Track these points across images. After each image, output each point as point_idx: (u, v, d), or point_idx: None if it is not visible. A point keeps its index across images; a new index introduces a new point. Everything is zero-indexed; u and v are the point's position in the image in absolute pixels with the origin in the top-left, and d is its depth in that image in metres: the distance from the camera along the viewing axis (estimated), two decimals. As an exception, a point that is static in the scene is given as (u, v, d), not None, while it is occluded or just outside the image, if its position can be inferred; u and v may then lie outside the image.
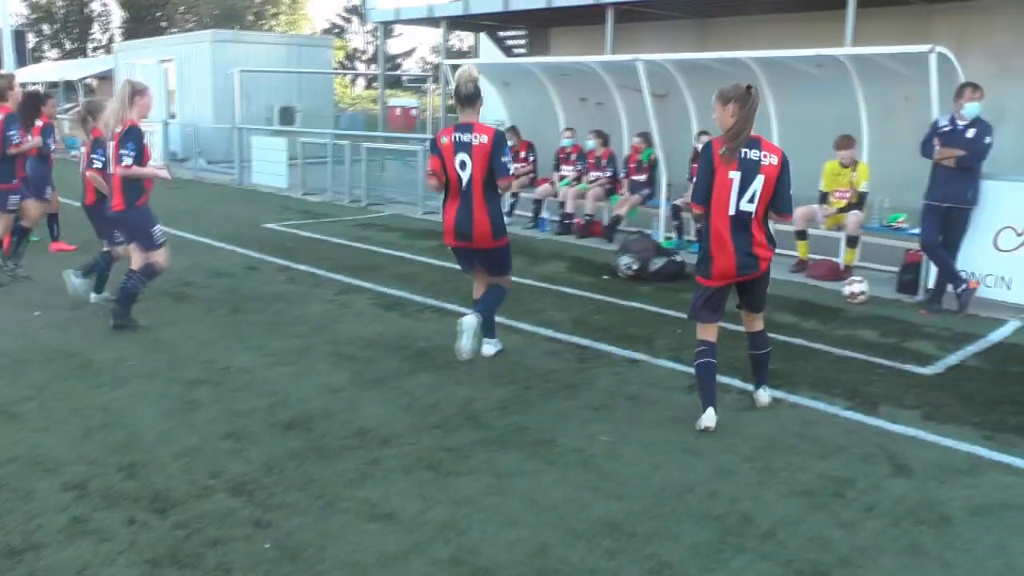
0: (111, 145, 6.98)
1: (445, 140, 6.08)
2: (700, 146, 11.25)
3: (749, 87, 4.99)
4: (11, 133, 8.60)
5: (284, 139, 18.45)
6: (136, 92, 6.94)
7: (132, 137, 6.85)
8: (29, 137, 9.01)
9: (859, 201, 9.64)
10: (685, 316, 7.77)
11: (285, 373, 6.13)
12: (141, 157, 6.92)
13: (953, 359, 6.81)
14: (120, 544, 3.79)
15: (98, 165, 7.43)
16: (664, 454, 4.84)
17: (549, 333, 7.27)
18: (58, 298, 7.95)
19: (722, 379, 6.07)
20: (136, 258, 7.28)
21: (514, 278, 9.37)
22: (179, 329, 7.21)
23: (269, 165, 18.13)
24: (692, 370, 6.14)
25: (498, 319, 7.55)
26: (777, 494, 4.37)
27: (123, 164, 6.83)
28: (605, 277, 9.59)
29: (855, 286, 8.64)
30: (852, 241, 9.69)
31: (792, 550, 3.83)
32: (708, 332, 5.34)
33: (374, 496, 4.27)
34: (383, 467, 4.60)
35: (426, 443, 4.92)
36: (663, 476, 4.55)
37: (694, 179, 5.20)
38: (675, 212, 11.56)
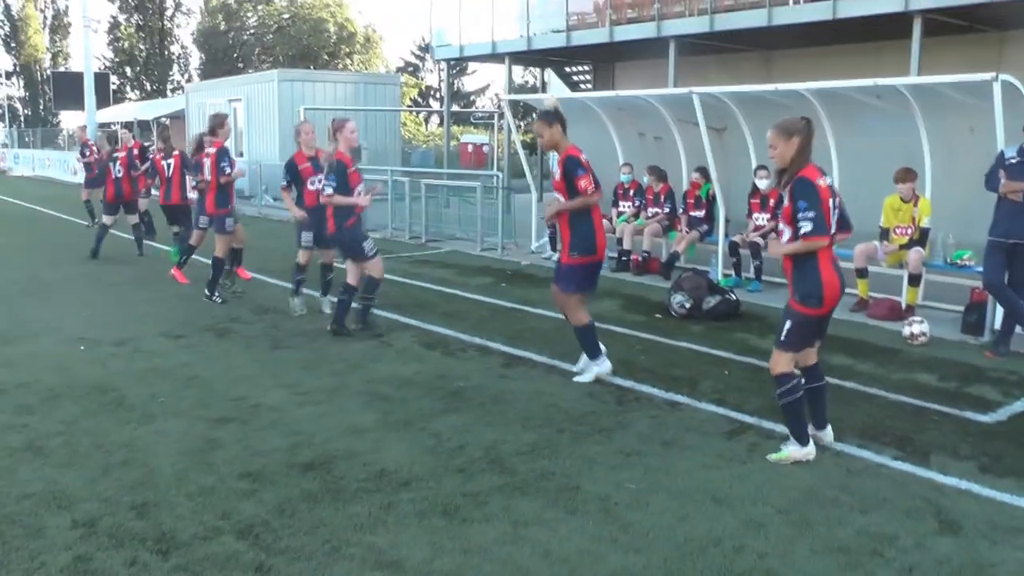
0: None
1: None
2: (760, 182, 10.98)
3: (807, 120, 5.07)
4: (223, 164, 9.68)
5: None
6: (337, 128, 7.95)
7: (335, 170, 7.83)
8: (237, 168, 10.08)
9: (921, 237, 9.23)
10: (733, 356, 7.56)
11: (314, 412, 6.02)
12: (345, 187, 7.85)
13: (1019, 406, 6.37)
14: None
15: (328, 191, 7.98)
16: (693, 504, 4.57)
17: (593, 374, 7.05)
18: (104, 332, 8.03)
19: (764, 424, 5.81)
20: (352, 272, 8.23)
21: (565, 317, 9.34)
22: (216, 365, 7.19)
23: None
24: (736, 414, 5.90)
25: (543, 359, 7.41)
26: (810, 550, 4.08)
27: (325, 194, 7.89)
28: (658, 316, 9.33)
29: (915, 326, 8.23)
30: (914, 279, 9.26)
31: (820, 614, 3.54)
32: (805, 357, 5.24)
33: (382, 542, 4.11)
34: (397, 512, 4.44)
35: (445, 487, 4.75)
36: (688, 528, 4.29)
37: (807, 214, 4.90)
38: (733, 249, 11.25)
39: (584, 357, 6.92)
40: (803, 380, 5.22)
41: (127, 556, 3.96)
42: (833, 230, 5.03)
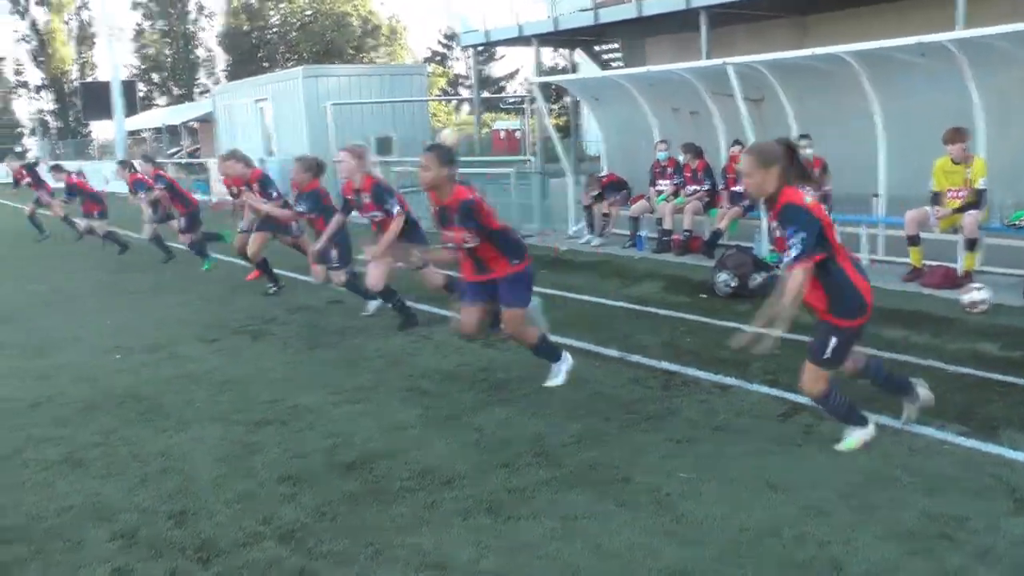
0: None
1: None
2: (803, 152, 10.64)
3: (784, 142, 4.67)
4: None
5: (379, 168, 18.48)
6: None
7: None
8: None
9: (977, 199, 8.84)
10: (783, 335, 7.24)
11: (353, 411, 5.89)
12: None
13: (1088, 372, 6.07)
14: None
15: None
16: (748, 492, 4.36)
17: (636, 359, 6.82)
18: (135, 340, 8.01)
19: (797, 399, 5.56)
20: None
21: (605, 300, 9.15)
22: (252, 368, 7.09)
23: (368, 195, 18.17)
24: (789, 395, 5.67)
25: (584, 345, 7.21)
26: (873, 536, 3.85)
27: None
28: (702, 296, 9.08)
29: (974, 294, 7.88)
30: (971, 244, 8.89)
31: (890, 604, 3.33)
32: (853, 363, 4.95)
33: (427, 543, 3.96)
34: (441, 511, 4.30)
35: (490, 484, 4.58)
36: (744, 517, 4.08)
37: (795, 239, 4.45)
38: (777, 222, 10.93)
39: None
40: (873, 380, 5.04)
41: (167, 566, 3.87)
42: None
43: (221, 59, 62.96)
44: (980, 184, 8.82)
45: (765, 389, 5.95)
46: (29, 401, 6.41)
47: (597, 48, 22.73)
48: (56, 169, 15.59)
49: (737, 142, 11.57)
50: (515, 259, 6.03)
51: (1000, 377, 5.99)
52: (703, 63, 12.76)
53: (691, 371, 6.43)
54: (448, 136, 6.51)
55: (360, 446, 5.21)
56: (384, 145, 23.47)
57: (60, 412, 6.14)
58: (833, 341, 4.67)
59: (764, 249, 10.92)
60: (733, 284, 8.90)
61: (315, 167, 8.92)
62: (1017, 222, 8.81)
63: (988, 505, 4.11)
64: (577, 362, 6.52)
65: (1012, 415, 5.27)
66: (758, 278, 8.90)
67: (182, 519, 4.34)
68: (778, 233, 4.62)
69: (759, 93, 11.58)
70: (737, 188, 11.58)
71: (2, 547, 4.14)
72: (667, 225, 12.15)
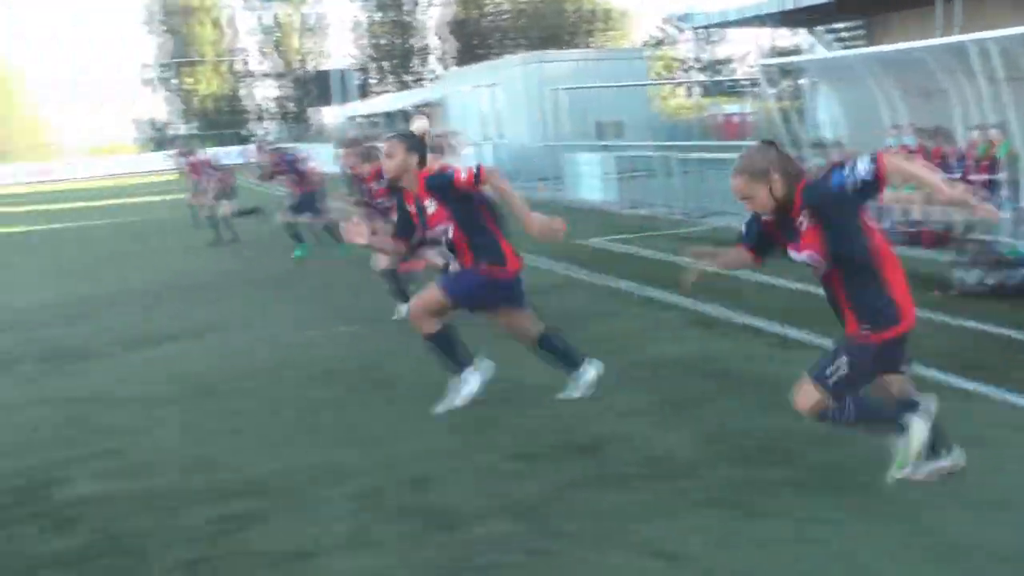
0: None
1: None
2: None
3: (770, 144, 3.99)
4: None
5: (602, 154, 18.52)
6: None
7: None
8: None
9: None
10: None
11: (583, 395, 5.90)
12: None
13: None
14: (395, 559, 3.80)
15: None
16: (1005, 511, 4.01)
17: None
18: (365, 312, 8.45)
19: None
20: None
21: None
22: (484, 348, 7.24)
23: (588, 180, 18.27)
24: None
25: (821, 341, 6.91)
26: None
27: None
28: (951, 294, 8.48)
29: None
30: None
31: None
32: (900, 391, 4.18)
33: (659, 533, 3.92)
34: (673, 502, 4.24)
35: (725, 477, 4.48)
36: (1001, 539, 3.74)
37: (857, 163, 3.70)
38: (1035, 216, 10.07)
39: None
40: None
41: (404, 530, 4.05)
42: None
43: (445, 47, 65.04)
44: None
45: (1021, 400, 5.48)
46: (273, 364, 6.98)
47: (833, 26, 21.73)
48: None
49: (994, 126, 10.72)
50: (483, 261, 5.44)
51: None
52: (947, 39, 11.91)
53: (937, 374, 5.99)
54: (418, 124, 6.20)
55: (592, 430, 5.23)
56: (605, 129, 23.46)
57: (300, 375, 6.65)
58: (844, 360, 3.92)
59: (1014, 244, 10.10)
60: (984, 281, 8.27)
61: None
62: None
63: None
64: (811, 356, 6.28)
65: None
66: (1010, 275, 8.23)
67: (420, 486, 4.54)
68: (805, 227, 3.88)
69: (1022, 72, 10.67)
70: (988, 176, 10.75)
71: (247, 499, 4.49)
72: (915, 216, 11.43)
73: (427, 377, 6.32)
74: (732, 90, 41.70)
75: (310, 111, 55.21)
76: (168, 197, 26.82)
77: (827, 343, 6.71)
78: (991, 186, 10.67)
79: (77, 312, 10.00)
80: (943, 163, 11.29)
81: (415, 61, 65.97)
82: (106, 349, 8.12)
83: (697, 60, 55.03)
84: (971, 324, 7.31)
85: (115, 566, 3.96)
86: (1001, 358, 6.39)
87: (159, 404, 6.32)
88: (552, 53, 31.14)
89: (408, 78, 65.19)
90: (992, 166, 10.72)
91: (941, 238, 11.00)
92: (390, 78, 66.17)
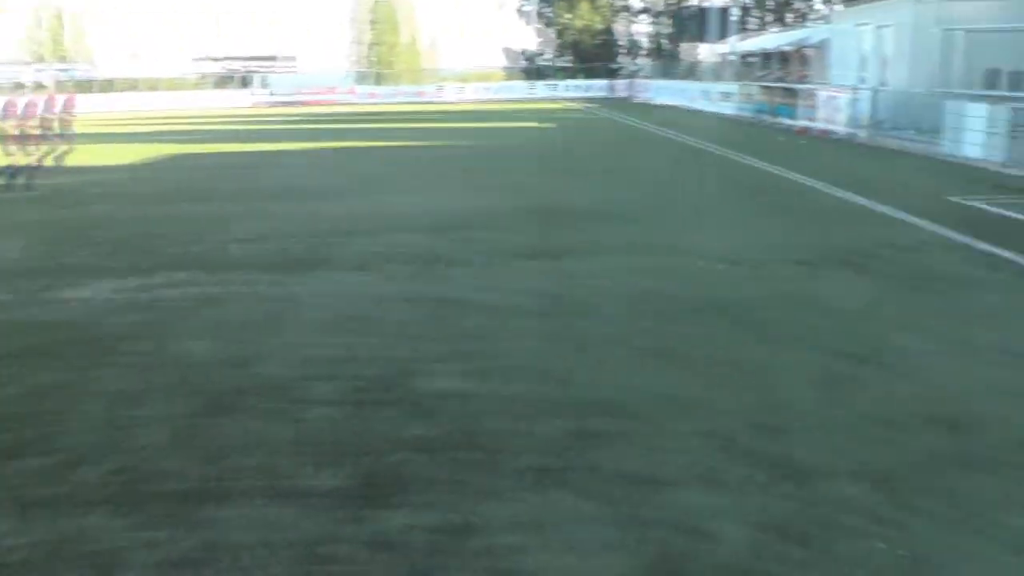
0: None
1: None
2: None
3: None
4: None
5: (992, 105, 16.75)
6: None
7: None
8: None
9: None
10: None
11: (954, 365, 5.51)
12: None
13: None
14: (744, 502, 3.77)
15: None
16: None
17: None
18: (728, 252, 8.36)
19: None
20: None
21: None
22: (848, 299, 6.99)
23: (975, 134, 16.67)
24: None
25: None
26: None
27: None
28: None
29: None
30: None
31: None
32: None
33: (1024, 526, 3.58)
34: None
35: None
36: None
37: None
38: None
39: None
40: None
41: (753, 474, 3.99)
42: None
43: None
44: None
45: None
46: (635, 292, 7.17)
47: None
48: None
49: None
50: None
51: None
52: None
53: None
54: None
55: (962, 404, 4.86)
56: (1014, 80, 21.07)
57: (658, 307, 6.76)
58: None
59: None
60: None
61: None
62: None
63: None
64: None
65: None
66: None
67: (773, 434, 4.46)
68: None
69: None
70: None
71: (600, 418, 4.63)
72: None
73: (786, 324, 6.25)
74: None
75: (683, 47, 54.77)
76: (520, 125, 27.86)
77: None
78: None
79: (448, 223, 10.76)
80: None
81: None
82: (473, 259, 8.71)
83: None
84: None
85: (467, 459, 4.20)
86: None
87: (519, 315, 6.66)
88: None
89: (790, 16, 62.47)
90: None
91: None
92: (770, 16, 63.81)
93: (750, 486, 3.92)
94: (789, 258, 8.32)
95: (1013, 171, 14.92)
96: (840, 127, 22.33)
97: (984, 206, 11.51)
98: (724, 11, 33.29)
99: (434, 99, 47.87)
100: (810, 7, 61.80)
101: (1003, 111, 16.20)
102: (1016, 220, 10.57)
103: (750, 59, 37.27)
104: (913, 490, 3.91)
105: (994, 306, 6.87)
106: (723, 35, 33.61)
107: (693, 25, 36.93)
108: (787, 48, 32.97)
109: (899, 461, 4.20)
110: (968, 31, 19.99)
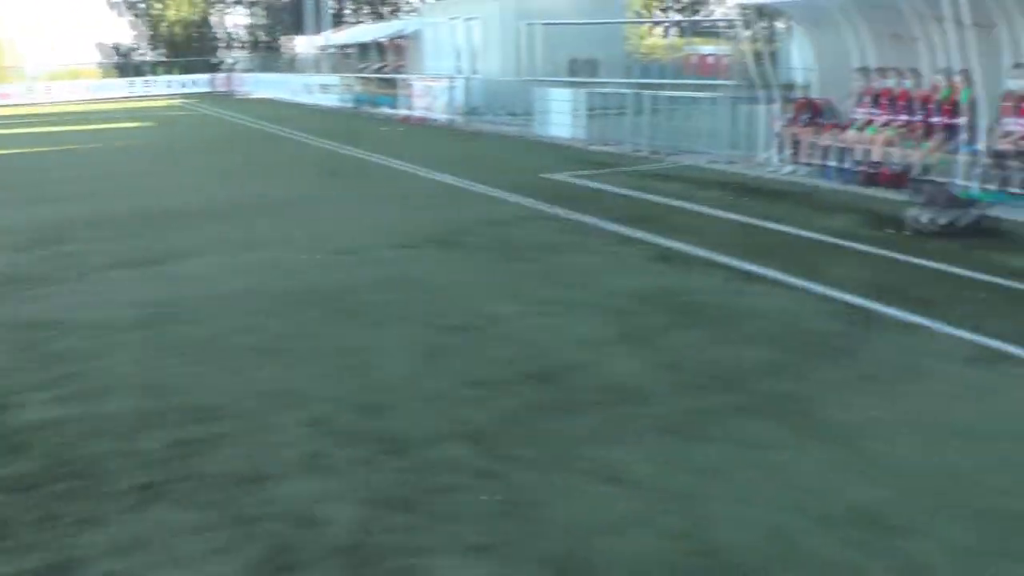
0: None
1: None
2: (1014, 82, 9.89)
3: None
4: None
5: (573, 90, 18.46)
6: None
7: None
8: None
9: None
10: (987, 277, 6.90)
11: (544, 323, 5.99)
12: None
13: None
14: (350, 483, 3.84)
15: None
16: (939, 436, 4.17)
17: (825, 291, 6.59)
18: (334, 242, 8.42)
19: (1017, 351, 5.28)
20: None
21: (799, 231, 8.88)
22: (445, 275, 7.34)
23: (560, 117, 18.23)
24: (991, 341, 5.42)
25: (778, 276, 7.08)
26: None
27: None
28: (904, 232, 8.66)
29: None
30: None
31: (1082, 564, 3.14)
32: None
33: (611, 457, 4.01)
34: (626, 427, 4.33)
35: (676, 405, 4.59)
36: (933, 463, 3.91)
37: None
38: (997, 159, 10.19)
39: None
40: None
41: (362, 455, 4.08)
42: None
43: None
44: None
45: (958, 332, 5.61)
46: (238, 291, 6.95)
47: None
48: None
49: (958, 72, 10.83)
50: None
51: None
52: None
53: (882, 308, 6.14)
54: None
55: (550, 358, 5.31)
56: (581, 66, 23.28)
57: (255, 304, 6.59)
58: None
59: (977, 186, 10.28)
60: (938, 221, 8.44)
61: None
62: None
63: None
64: (773, 291, 6.45)
65: None
66: (965, 217, 8.41)
67: (377, 412, 4.57)
68: None
69: (986, 19, 10.75)
70: (950, 120, 10.89)
71: (203, 424, 4.48)
72: (867, 156, 11.58)
73: (386, 306, 6.43)
74: (708, 31, 41.38)
75: (283, 40, 53.98)
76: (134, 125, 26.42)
77: (785, 278, 6.95)
78: (951, 129, 10.82)
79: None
80: (907, 105, 11.43)
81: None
82: (67, 274, 7.97)
83: (676, 0, 54.46)
84: (920, 261, 7.48)
85: (65, 490, 3.89)
86: (947, 294, 6.58)
87: (117, 329, 6.23)
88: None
89: (385, 9, 63.85)
90: (954, 110, 10.84)
91: (898, 178, 11.16)
92: (366, 8, 64.75)
93: (356, 466, 4.00)
94: (393, 242, 8.54)
95: (594, 147, 16.52)
96: (439, 115, 23.35)
97: (572, 180, 12.64)
98: (318, 2, 33.32)
99: (23, 100, 43.22)
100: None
101: (582, 95, 17.92)
102: (599, 189, 11.72)
103: (349, 51, 37.78)
104: (509, 442, 4.21)
105: (583, 266, 7.55)
106: (320, 27, 33.67)
107: (289, 17, 36.62)
108: (383, 40, 33.82)
109: (496, 417, 4.49)
110: (545, 24, 21.72)
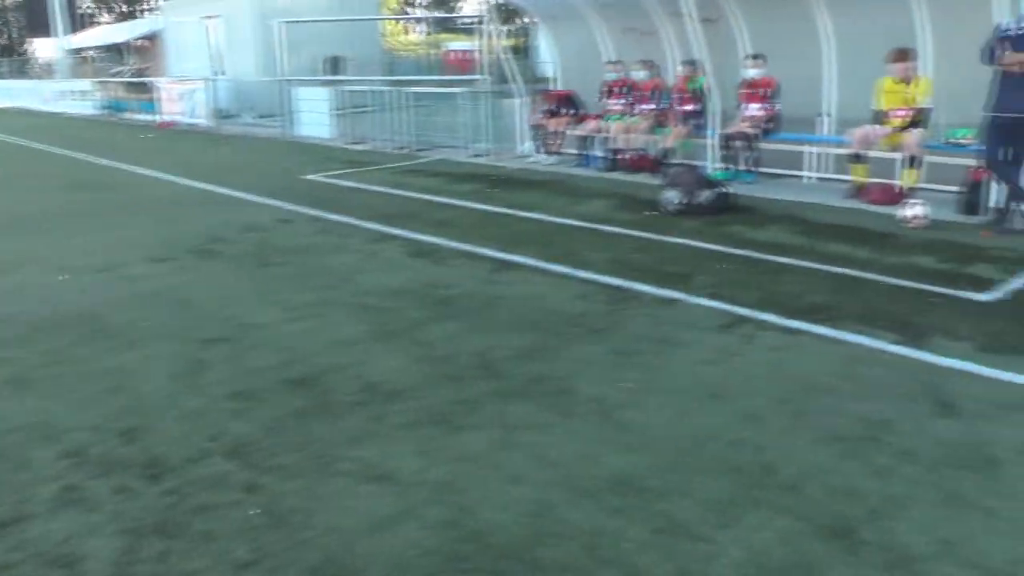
0: None
1: None
2: (749, 71, 10.69)
3: None
4: None
5: (328, 89, 18.21)
6: None
7: None
8: None
9: (921, 118, 8.98)
10: (728, 249, 7.42)
11: (303, 328, 5.91)
12: None
13: (1017, 283, 6.28)
14: (106, 514, 3.63)
15: None
16: (690, 400, 4.49)
17: (583, 275, 6.90)
18: (87, 260, 7.88)
19: (759, 315, 5.72)
20: None
21: (554, 218, 9.18)
22: (202, 287, 7.05)
23: (314, 116, 17.94)
24: (731, 307, 5.82)
25: (532, 262, 7.26)
26: (807, 441, 4.01)
27: None
28: (650, 213, 9.16)
29: (912, 209, 8.08)
30: (913, 161, 9.04)
31: (816, 503, 3.48)
32: None
33: (374, 455, 4.03)
34: (388, 423, 4.36)
35: (436, 397, 4.66)
36: (685, 425, 4.21)
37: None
38: (726, 142, 10.99)
39: None
40: None
41: (116, 483, 3.88)
42: None
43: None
44: (925, 103, 8.95)
45: (708, 302, 6.06)
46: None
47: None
48: None
49: (690, 62, 11.55)
50: None
51: (934, 288, 6.20)
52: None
53: (638, 286, 6.52)
54: None
55: (310, 361, 5.24)
56: (334, 64, 23.04)
57: (5, 332, 6.08)
58: None
59: (712, 167, 11.02)
60: (681, 201, 8.98)
61: None
62: (957, 140, 8.95)
63: (915, 408, 4.30)
64: (527, 278, 6.60)
65: (943, 324, 5.47)
66: (705, 195, 9.00)
67: (131, 436, 4.35)
68: None
69: (715, 13, 11.53)
70: (688, 107, 11.61)
71: None
72: (618, 144, 12.15)
73: (143, 324, 6.09)
74: (462, 27, 42.06)
75: (24, 43, 49.96)
76: None
77: (543, 264, 7.14)
78: (693, 116, 11.55)
79: None
80: (650, 95, 12.07)
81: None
82: None
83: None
84: (670, 239, 7.99)
85: None
86: (695, 267, 7.01)
87: None
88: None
89: (126, 8, 60.42)
90: (693, 98, 11.57)
91: (646, 163, 11.80)
92: (112, 6, 61.03)
93: (115, 495, 3.79)
94: (148, 256, 8.12)
95: (352, 146, 16.39)
96: (191, 119, 22.40)
97: (330, 180, 12.48)
98: (55, 2, 31.10)
99: None
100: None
101: (337, 94, 17.73)
102: (357, 188, 11.63)
103: (97, 54, 35.59)
104: (272, 452, 4.13)
105: (342, 266, 7.47)
106: (62, 29, 31.43)
107: (25, 17, 33.95)
108: (133, 41, 32.12)
109: (257, 428, 4.39)
110: (293, 22, 21.28)
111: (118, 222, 9.97)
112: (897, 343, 5.17)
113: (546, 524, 3.40)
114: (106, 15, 59.79)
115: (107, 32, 40.87)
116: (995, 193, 8.05)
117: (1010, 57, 7.42)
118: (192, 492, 3.78)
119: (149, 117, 24.67)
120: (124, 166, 15.06)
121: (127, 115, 26.39)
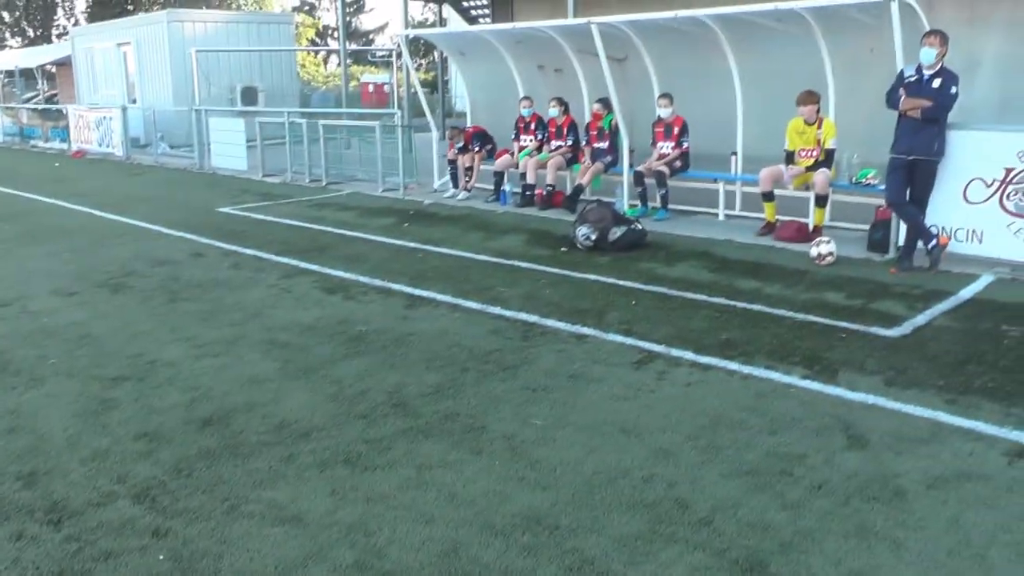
0: None
1: None
2: (662, 111, 10.95)
3: None
4: None
5: (243, 120, 18.00)
6: None
7: None
8: None
9: (827, 158, 9.32)
10: (640, 285, 7.56)
11: (213, 365, 5.81)
12: None
13: (921, 319, 6.53)
14: (4, 562, 3.52)
15: None
16: (601, 436, 4.55)
17: (495, 311, 6.94)
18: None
19: (672, 352, 5.83)
20: None
21: (468, 254, 9.22)
22: (110, 322, 6.88)
23: (229, 147, 17.70)
24: (643, 343, 5.92)
25: (445, 298, 7.29)
26: (718, 475, 4.10)
27: None
28: (563, 249, 9.27)
29: (822, 247, 8.35)
30: (821, 200, 9.36)
31: (729, 537, 3.56)
32: None
33: (282, 497, 3.98)
34: (297, 464, 4.32)
35: (347, 435, 4.63)
36: (596, 461, 4.27)
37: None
38: (638, 179, 11.21)
39: None
40: None
41: (13, 530, 3.76)
42: None
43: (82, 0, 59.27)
44: (830, 144, 9.29)
45: (621, 338, 6.17)
46: None
47: (465, 3, 22.58)
48: None
49: (601, 100, 11.77)
50: None
51: (843, 324, 6.40)
52: (568, 21, 12.85)
53: (550, 322, 6.59)
54: None
55: (218, 400, 5.17)
56: (248, 95, 22.81)
57: None
58: None
59: (624, 204, 11.21)
60: (593, 237, 9.11)
61: None
62: (863, 180, 9.31)
63: (825, 442, 4.44)
64: (439, 313, 6.60)
65: (852, 359, 5.66)
66: (618, 232, 9.15)
67: (31, 480, 4.22)
68: None
69: (623, 53, 11.79)
70: (599, 144, 11.81)
71: None
72: (530, 180, 12.27)
73: (47, 361, 5.92)
74: (378, 60, 42.11)
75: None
76: None
77: (455, 300, 7.16)
78: (603, 152, 11.76)
79: None
80: (560, 131, 12.25)
81: (40, 14, 59.42)
82: None
83: (335, 28, 54.78)
84: (581, 275, 8.09)
85: None
86: (606, 303, 7.11)
87: None
88: (193, 12, 29.46)
89: (33, 33, 58.76)
90: (608, 136, 11.79)
91: (558, 199, 11.96)
92: (20, 30, 59.22)
93: (12, 542, 3.68)
94: (54, 290, 7.92)
95: (267, 179, 16.21)
96: (104, 148, 21.88)
97: (244, 213, 12.31)
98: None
99: None
100: (54, 23, 59.11)
101: (253, 125, 17.53)
102: (272, 222, 11.49)
103: (5, 79, 34.59)
104: (179, 494, 4.05)
105: (253, 302, 7.37)
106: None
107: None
108: (44, 65, 31.32)
109: (164, 470, 4.31)
110: (207, 52, 21.07)
111: (24, 253, 9.70)
112: (808, 378, 5.33)
113: (458, 564, 3.40)
114: (16, 39, 58.12)
115: (16, 56, 39.73)
116: (902, 231, 8.36)
117: (905, 102, 7.78)
118: (96, 538, 3.68)
119: (61, 145, 24.03)
120: (33, 195, 14.65)
121: (38, 143, 25.65)
